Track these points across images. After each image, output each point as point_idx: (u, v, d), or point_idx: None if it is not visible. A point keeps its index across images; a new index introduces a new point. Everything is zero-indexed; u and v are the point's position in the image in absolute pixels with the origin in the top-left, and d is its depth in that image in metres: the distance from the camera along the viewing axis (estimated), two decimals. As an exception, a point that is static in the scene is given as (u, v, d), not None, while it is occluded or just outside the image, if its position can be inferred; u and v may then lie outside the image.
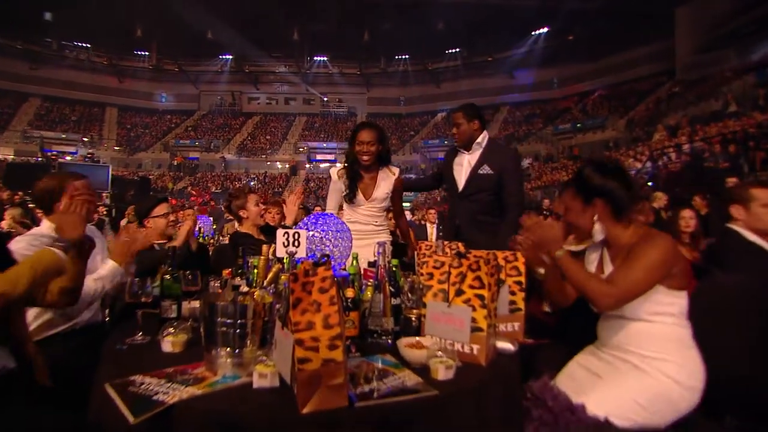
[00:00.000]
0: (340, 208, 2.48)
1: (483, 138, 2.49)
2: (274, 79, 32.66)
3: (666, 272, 1.27)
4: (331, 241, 1.81)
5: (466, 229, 2.43)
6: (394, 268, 1.51)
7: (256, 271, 1.17)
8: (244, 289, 1.20)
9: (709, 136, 10.66)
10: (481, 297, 1.24)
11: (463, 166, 2.50)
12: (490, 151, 2.49)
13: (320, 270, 0.97)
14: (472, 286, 1.26)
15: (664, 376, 1.27)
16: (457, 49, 29.78)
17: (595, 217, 1.39)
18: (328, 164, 29.58)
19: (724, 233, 1.80)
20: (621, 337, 1.35)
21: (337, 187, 2.40)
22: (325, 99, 34.30)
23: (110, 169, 13.05)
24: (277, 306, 1.20)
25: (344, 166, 2.39)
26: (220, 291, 1.33)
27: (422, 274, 1.81)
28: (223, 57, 31.20)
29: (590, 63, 25.32)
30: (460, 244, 1.95)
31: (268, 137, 31.10)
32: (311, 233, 1.77)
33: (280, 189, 23.25)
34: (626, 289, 1.27)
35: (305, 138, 31.54)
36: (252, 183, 25.06)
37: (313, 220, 1.82)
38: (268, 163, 28.68)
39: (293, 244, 1.57)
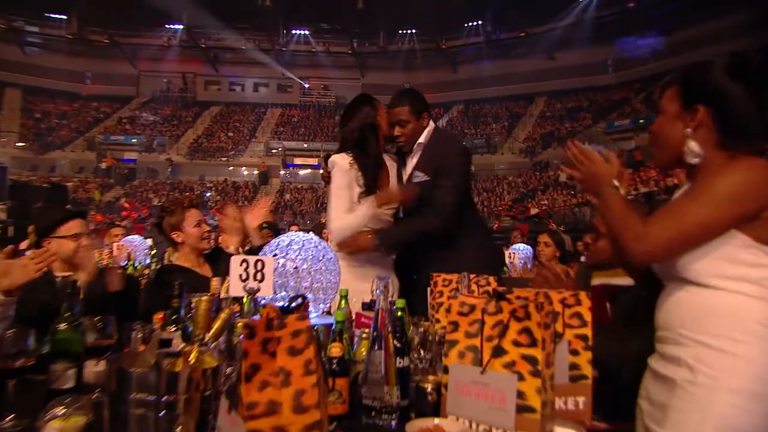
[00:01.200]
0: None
1: (427, 133, 2.49)
2: (239, 58, 33.22)
3: (748, 211, 1.16)
4: (310, 273, 1.75)
5: (415, 263, 2.39)
6: (399, 313, 1.47)
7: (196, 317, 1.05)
8: (179, 345, 1.08)
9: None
10: (531, 359, 1.13)
11: (404, 176, 2.52)
12: (429, 149, 2.47)
13: (291, 320, 0.89)
14: (517, 343, 1.16)
15: (729, 393, 1.14)
16: (480, 22, 30.43)
17: (688, 131, 1.28)
18: (309, 171, 29.96)
19: None
20: (674, 311, 1.27)
21: (348, 181, 2.32)
22: (306, 86, 34.84)
23: (8, 172, 12.92)
24: (228, 371, 1.07)
25: (355, 154, 2.34)
26: (142, 347, 1.22)
27: (437, 320, 1.76)
28: (171, 27, 31.77)
29: (657, 38, 25.65)
30: (492, 279, 1.88)
31: (230, 134, 31.48)
32: (281, 262, 1.71)
33: (246, 202, 23.24)
34: (667, 231, 1.19)
35: (280, 136, 31.89)
36: (208, 194, 25.21)
37: (285, 243, 1.73)
38: (231, 168, 28.93)
39: (255, 278, 1.51)
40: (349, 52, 33.54)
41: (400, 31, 32.13)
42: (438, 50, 32.46)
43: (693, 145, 1.28)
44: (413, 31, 31.91)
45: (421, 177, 2.42)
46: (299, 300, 0.98)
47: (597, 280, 1.86)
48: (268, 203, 2.86)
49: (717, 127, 1.26)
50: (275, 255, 1.71)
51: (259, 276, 1.51)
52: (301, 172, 30.19)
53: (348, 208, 2.31)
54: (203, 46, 32.69)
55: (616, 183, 1.35)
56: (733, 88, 1.23)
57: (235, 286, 1.48)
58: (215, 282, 1.63)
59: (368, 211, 2.27)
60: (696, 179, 1.31)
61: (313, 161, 30.27)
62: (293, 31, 32.66)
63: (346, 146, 2.40)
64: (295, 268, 1.71)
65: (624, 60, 27.41)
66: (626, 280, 1.70)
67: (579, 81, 28.68)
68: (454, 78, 32.52)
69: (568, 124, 26.91)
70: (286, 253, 1.73)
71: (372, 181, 2.31)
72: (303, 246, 1.75)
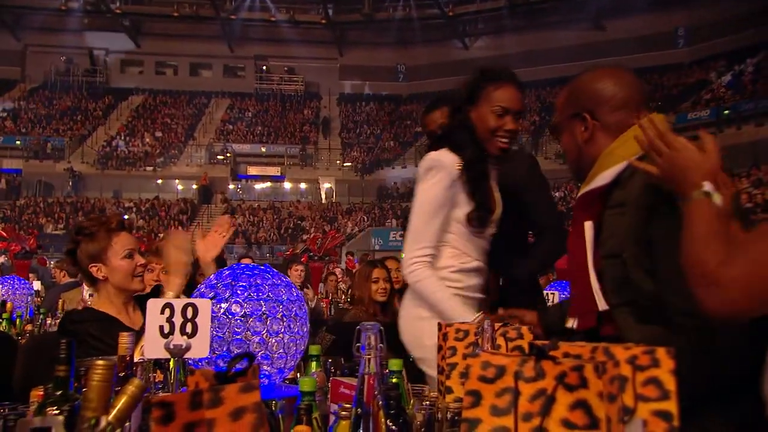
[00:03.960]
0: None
1: None
2: (170, 29, 33.62)
3: None
4: (266, 323, 1.71)
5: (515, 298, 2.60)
6: (395, 379, 1.51)
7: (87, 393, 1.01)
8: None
9: None
10: (590, 446, 1.11)
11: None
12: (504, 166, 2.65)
13: (230, 392, 0.85)
14: (569, 424, 1.10)
15: None
16: (501, -20, 31.05)
17: None
18: (268, 184, 29.99)
19: None
20: None
21: (449, 195, 2.35)
22: (264, 68, 35.12)
23: None
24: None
25: (463, 154, 2.37)
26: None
27: (449, 390, 1.71)
28: (73, -15, 31.91)
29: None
30: (525, 329, 1.87)
31: (158, 135, 31.66)
32: (223, 307, 1.67)
33: (181, 226, 23.20)
34: (749, 271, 1.23)
35: (228, 137, 32.04)
36: (126, 217, 25.01)
37: (229, 278, 1.72)
38: (159, 181, 29.05)
39: (183, 332, 1.47)
40: (323, 22, 34.01)
41: (392, -8, 32.66)
42: (443, 19, 33.01)
43: None
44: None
45: None
46: (245, 361, 0.93)
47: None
48: (229, 223, 2.91)
49: None
50: (214, 297, 1.68)
51: (189, 328, 1.46)
52: (258, 186, 30.28)
53: (435, 240, 2.34)
54: (118, 11, 32.77)
55: (707, 186, 1.34)
56: None
57: (152, 344, 1.43)
58: (125, 339, 1.58)
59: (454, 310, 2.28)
60: None
61: (274, 171, 30.39)
62: (246, -6, 33.07)
63: (442, 140, 2.44)
64: (244, 315, 1.68)
65: (701, 28, 27.93)
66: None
67: (638, 59, 29.07)
68: (465, 56, 32.95)
69: (624, 117, 27.27)
70: (231, 294, 1.69)
71: (481, 195, 2.35)
72: (255, 283, 1.73)
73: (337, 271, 9.48)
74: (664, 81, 28.28)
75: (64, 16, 31.94)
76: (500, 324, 1.89)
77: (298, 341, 1.75)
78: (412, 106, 34.13)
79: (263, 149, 31.21)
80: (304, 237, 23.41)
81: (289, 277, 7.14)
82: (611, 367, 1.18)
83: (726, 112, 23.25)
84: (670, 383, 1.34)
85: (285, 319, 1.71)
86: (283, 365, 1.73)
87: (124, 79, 34.42)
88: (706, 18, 27.44)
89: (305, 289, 6.83)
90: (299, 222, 25.95)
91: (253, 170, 30.65)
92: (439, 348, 1.91)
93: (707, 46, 27.80)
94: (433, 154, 2.39)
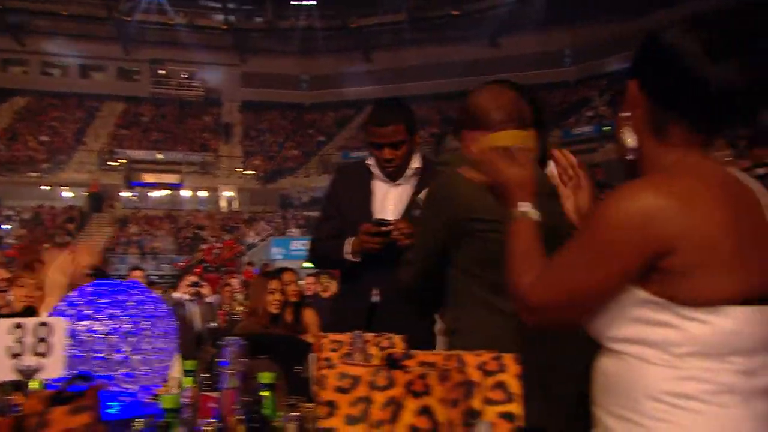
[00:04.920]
0: None
1: (418, 159, 2.78)
2: (59, 27, 32.11)
3: (636, 261, 1.18)
4: (128, 340, 1.67)
5: (397, 314, 2.47)
6: (266, 393, 1.49)
7: None
8: None
9: None
10: (433, 451, 1.15)
11: (389, 206, 2.73)
12: (427, 177, 2.68)
13: (57, 414, 0.83)
14: (415, 429, 1.17)
15: None
16: (401, -5, 31.62)
17: (623, 115, 1.34)
18: (166, 192, 29.00)
19: None
20: (594, 379, 1.35)
21: None
22: (161, 72, 34.02)
23: None
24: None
25: None
26: None
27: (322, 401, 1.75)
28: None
29: (632, 19, 27.39)
30: (397, 339, 1.90)
31: (44, 139, 30.25)
32: (83, 324, 1.63)
33: (68, 236, 22.07)
34: (547, 286, 1.28)
35: (122, 142, 30.83)
36: (7, 227, 23.77)
37: (90, 295, 1.68)
38: (46, 187, 27.64)
39: (35, 351, 1.41)
40: (224, 27, 33.41)
41: (294, 2, 32.53)
42: (345, 30, 33.22)
43: (626, 133, 1.32)
44: (312, 2, 32.45)
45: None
46: (81, 386, 0.91)
47: None
48: (102, 234, 2.77)
49: (648, 104, 1.29)
50: (74, 315, 1.63)
51: (42, 348, 1.40)
52: (154, 194, 29.29)
53: None
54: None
55: (523, 206, 1.39)
56: (681, 41, 1.26)
57: (1, 366, 1.36)
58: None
59: None
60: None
61: (172, 178, 29.47)
62: (142, -5, 31.99)
63: None
64: (107, 333, 1.63)
65: (586, 49, 29.32)
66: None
67: (529, 76, 30.24)
68: (367, 68, 33.34)
69: (515, 130, 28.48)
70: (92, 311, 1.65)
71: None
72: (119, 300, 1.69)
73: (233, 281, 9.25)
74: (551, 97, 29.59)
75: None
76: (374, 334, 1.94)
77: (165, 357, 1.71)
78: (315, 115, 34.11)
79: (160, 156, 30.19)
80: (203, 247, 22.85)
81: (179, 288, 6.95)
82: (455, 374, 1.24)
83: (606, 128, 24.59)
84: (515, 386, 1.40)
85: (150, 336, 1.68)
86: (148, 382, 1.68)
87: (6, 79, 32.31)
88: (591, 39, 28.86)
89: (200, 287, 6.66)
90: (198, 231, 25.25)
91: (148, 177, 29.59)
92: (316, 358, 1.93)
93: (591, 65, 29.19)
94: None
